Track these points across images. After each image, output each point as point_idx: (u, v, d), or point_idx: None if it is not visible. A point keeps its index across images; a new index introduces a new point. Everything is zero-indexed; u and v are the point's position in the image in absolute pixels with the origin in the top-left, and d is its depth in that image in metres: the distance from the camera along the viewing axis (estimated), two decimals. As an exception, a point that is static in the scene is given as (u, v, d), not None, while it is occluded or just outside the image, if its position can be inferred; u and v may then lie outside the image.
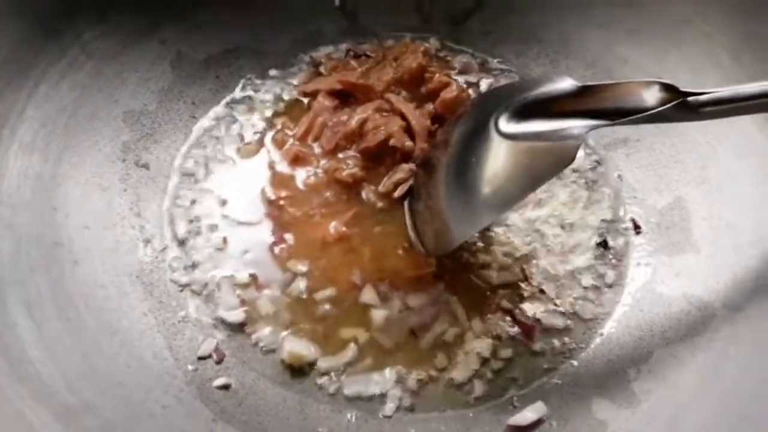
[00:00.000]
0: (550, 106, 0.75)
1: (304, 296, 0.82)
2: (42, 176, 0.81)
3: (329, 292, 0.83)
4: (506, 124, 0.77)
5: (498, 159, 0.76)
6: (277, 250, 0.85)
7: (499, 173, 0.75)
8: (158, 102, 0.95)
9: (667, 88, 0.69)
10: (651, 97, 0.70)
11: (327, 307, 0.82)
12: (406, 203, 0.90)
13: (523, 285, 0.85)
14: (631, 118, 0.70)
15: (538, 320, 0.82)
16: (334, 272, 0.84)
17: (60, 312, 0.73)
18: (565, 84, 0.76)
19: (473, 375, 0.79)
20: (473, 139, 0.80)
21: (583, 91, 0.74)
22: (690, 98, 0.68)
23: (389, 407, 0.77)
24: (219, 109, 0.98)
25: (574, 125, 0.72)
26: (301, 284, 0.83)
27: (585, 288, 0.85)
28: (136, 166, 0.90)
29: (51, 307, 0.73)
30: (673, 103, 0.67)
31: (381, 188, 0.90)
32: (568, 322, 0.82)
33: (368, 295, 0.83)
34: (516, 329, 0.82)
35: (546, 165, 0.72)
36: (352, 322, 0.81)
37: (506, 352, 0.80)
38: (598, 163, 0.95)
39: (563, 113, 0.74)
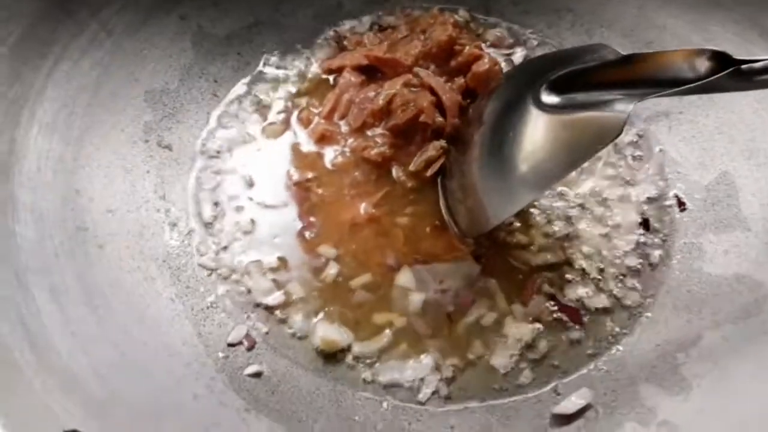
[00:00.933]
0: (593, 77, 0.72)
1: (338, 281, 0.80)
2: (63, 158, 0.78)
3: (365, 278, 0.80)
4: (545, 97, 0.74)
5: (537, 134, 0.72)
6: (306, 234, 0.83)
7: (539, 149, 0.72)
8: (179, 80, 0.92)
9: (718, 56, 0.64)
10: (701, 65, 0.65)
11: (363, 293, 0.79)
12: (439, 182, 0.86)
13: (564, 267, 0.81)
14: (682, 88, 0.65)
15: (581, 303, 0.79)
16: (367, 256, 0.81)
17: (86, 298, 0.71)
18: (608, 53, 0.72)
19: (513, 362, 0.76)
20: (509, 112, 0.77)
21: (627, 61, 0.70)
22: (744, 66, 0.63)
23: (426, 394, 0.74)
24: (242, 87, 0.95)
25: (620, 96, 0.68)
26: (333, 269, 0.80)
27: (629, 269, 0.81)
28: (159, 147, 0.88)
29: (77, 293, 0.71)
30: (726, 72, 0.63)
31: (411, 167, 0.86)
32: (613, 304, 0.79)
33: (405, 277, 0.79)
34: (559, 314, 0.78)
35: (590, 139, 0.68)
36: (387, 306, 0.78)
37: (548, 338, 0.77)
38: (640, 136, 0.90)
39: (607, 84, 0.71)
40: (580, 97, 0.71)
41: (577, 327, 0.78)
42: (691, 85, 0.65)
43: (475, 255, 0.81)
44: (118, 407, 0.64)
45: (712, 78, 0.64)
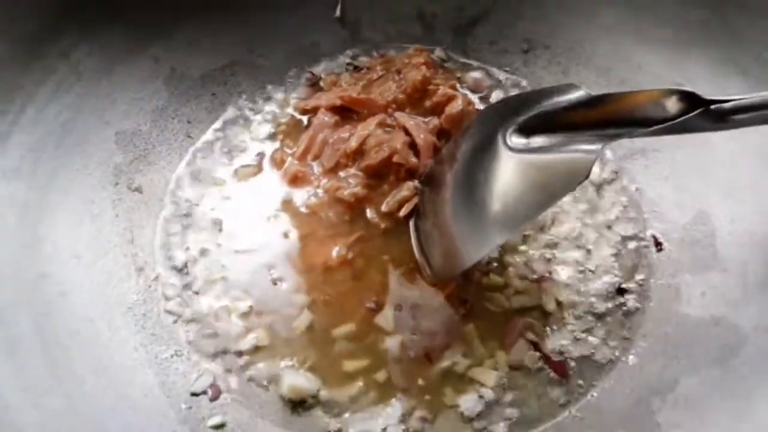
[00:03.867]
0: (562, 118, 0.71)
1: (313, 330, 0.78)
2: (28, 204, 0.77)
3: (348, 327, 0.78)
4: (516, 138, 0.73)
5: (507, 175, 0.71)
6: (277, 280, 0.81)
7: (509, 190, 0.70)
8: (152, 121, 0.91)
9: (688, 96, 0.64)
10: (671, 106, 0.65)
11: (345, 343, 0.77)
12: (411, 223, 0.85)
13: (543, 312, 0.79)
14: (650, 129, 0.65)
15: (563, 354, 0.77)
16: (341, 302, 0.79)
17: (44, 349, 0.69)
18: (577, 94, 0.71)
19: (485, 409, 0.73)
20: (481, 154, 0.75)
21: (596, 101, 0.69)
22: (713, 106, 0.63)
23: (396, 444, 0.72)
24: (215, 128, 0.94)
25: (588, 137, 0.67)
26: (305, 318, 0.78)
27: (605, 313, 0.79)
28: (129, 189, 0.86)
29: (34, 344, 0.69)
30: (695, 112, 0.63)
31: (384, 207, 0.85)
32: (590, 352, 0.77)
33: (385, 317, 0.78)
34: (543, 364, 0.76)
35: (559, 181, 0.66)
36: (361, 353, 0.76)
37: (523, 385, 0.75)
38: (616, 175, 0.89)
39: (576, 125, 0.69)
40: (550, 138, 0.70)
41: (566, 379, 0.75)
42: (661, 126, 0.64)
43: (461, 299, 0.79)
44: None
45: (681, 119, 0.63)
